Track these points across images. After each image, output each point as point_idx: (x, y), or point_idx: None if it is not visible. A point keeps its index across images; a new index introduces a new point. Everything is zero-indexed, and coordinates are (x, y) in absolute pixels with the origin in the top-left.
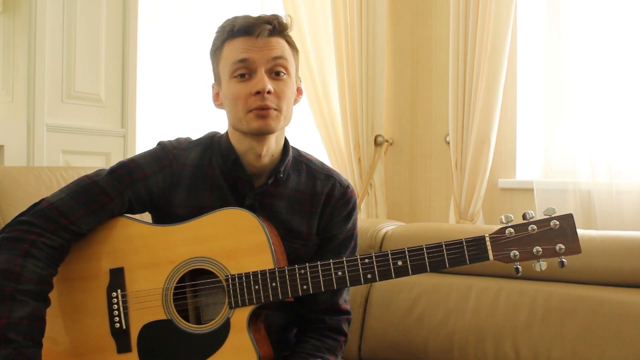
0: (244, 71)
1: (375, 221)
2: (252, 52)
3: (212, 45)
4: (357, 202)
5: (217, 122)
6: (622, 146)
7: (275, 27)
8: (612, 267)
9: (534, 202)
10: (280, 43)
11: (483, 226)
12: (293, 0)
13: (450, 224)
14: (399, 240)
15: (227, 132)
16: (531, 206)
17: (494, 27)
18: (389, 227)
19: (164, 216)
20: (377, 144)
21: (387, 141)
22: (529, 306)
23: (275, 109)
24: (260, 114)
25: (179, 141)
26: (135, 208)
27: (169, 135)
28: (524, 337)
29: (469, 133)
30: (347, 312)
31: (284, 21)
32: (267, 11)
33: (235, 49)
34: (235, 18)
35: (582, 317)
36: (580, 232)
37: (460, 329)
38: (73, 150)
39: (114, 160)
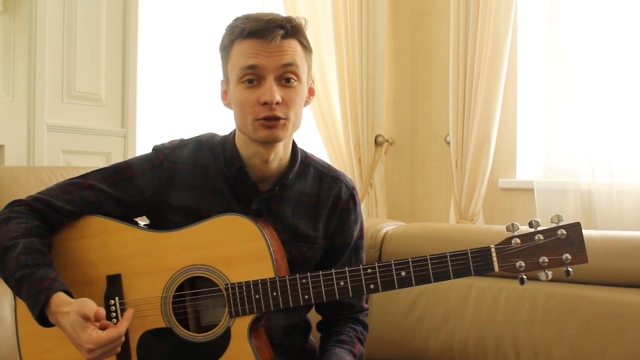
0: (253, 77)
1: (376, 221)
2: (261, 57)
3: (221, 43)
4: None
5: (218, 122)
6: (622, 146)
7: (288, 31)
8: (612, 267)
9: (534, 202)
10: (292, 46)
11: (483, 226)
12: (293, 0)
13: (450, 224)
14: (399, 240)
15: (233, 133)
16: (531, 206)
17: (494, 27)
18: (389, 227)
19: (160, 219)
20: (377, 143)
21: (387, 141)
22: (529, 306)
23: (284, 118)
24: (267, 125)
25: (170, 142)
26: (129, 210)
27: (169, 136)
28: (524, 337)
29: (469, 133)
30: (367, 309)
31: (298, 22)
32: (267, 11)
33: (245, 52)
34: (247, 18)
35: (582, 317)
36: None
37: (460, 329)
38: (73, 150)
39: (114, 160)
